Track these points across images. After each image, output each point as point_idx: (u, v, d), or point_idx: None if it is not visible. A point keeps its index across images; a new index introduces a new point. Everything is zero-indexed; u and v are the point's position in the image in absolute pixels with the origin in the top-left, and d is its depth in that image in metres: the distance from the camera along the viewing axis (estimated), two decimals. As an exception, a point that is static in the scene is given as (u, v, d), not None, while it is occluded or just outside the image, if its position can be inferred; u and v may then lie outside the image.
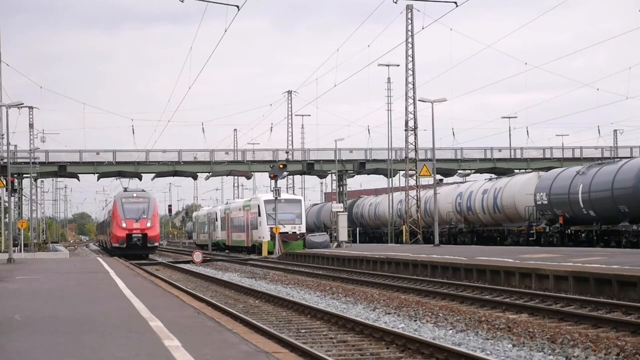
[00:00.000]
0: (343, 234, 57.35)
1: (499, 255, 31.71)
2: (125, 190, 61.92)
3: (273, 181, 56.80)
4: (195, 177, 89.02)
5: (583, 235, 44.91)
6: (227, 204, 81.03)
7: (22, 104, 56.57)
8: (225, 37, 34.62)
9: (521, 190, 51.67)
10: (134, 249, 57.51)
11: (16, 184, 66.72)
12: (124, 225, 57.75)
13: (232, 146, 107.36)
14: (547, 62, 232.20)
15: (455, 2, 33.22)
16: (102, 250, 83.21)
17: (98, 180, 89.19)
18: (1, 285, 24.04)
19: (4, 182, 49.63)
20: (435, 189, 55.18)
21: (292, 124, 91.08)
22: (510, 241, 52.98)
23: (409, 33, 60.17)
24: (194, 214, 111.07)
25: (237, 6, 24.87)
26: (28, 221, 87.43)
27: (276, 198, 55.80)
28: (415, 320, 17.37)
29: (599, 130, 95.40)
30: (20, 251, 66.31)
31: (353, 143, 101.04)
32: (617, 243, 41.47)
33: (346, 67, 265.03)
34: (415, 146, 61.17)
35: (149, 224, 57.85)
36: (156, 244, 59.25)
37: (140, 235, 57.59)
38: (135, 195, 60.23)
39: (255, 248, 61.43)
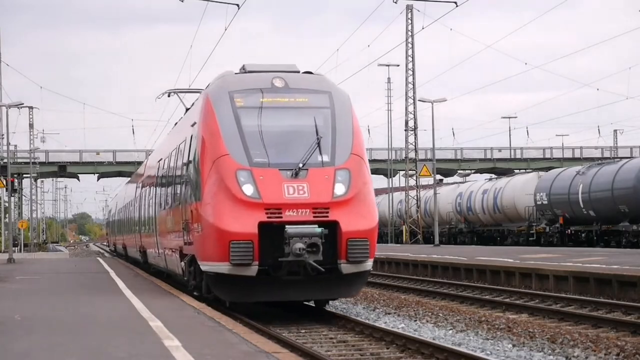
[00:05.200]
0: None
1: (499, 255, 31.70)
2: (244, 70, 17.83)
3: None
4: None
5: (583, 235, 44.91)
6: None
7: (22, 104, 56.56)
8: (226, 36, 34.59)
9: (521, 190, 51.66)
10: (289, 276, 15.88)
11: (16, 184, 66.72)
12: (248, 193, 15.57)
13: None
14: (547, 62, 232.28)
15: (455, 2, 33.21)
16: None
17: (98, 180, 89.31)
18: (1, 285, 24.03)
19: (4, 182, 49.58)
20: (435, 189, 55.18)
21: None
22: (510, 241, 52.98)
23: (409, 33, 60.16)
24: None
25: (237, 5, 24.86)
26: (28, 221, 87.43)
27: None
28: (415, 320, 17.37)
29: (599, 130, 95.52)
30: (20, 251, 66.35)
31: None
32: (617, 243, 41.47)
33: (346, 67, 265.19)
34: (415, 146, 61.14)
35: (340, 190, 15.89)
36: (370, 261, 16.03)
37: (312, 226, 15.45)
38: (286, 83, 17.11)
39: None
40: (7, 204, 59.81)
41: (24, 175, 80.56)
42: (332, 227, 15.55)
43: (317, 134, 16.39)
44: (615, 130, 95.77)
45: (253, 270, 15.36)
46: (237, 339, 11.21)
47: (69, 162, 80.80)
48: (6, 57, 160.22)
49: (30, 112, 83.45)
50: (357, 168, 16.27)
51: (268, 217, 15.44)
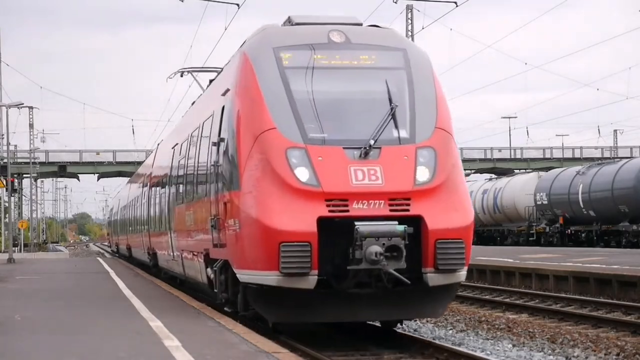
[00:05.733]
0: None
1: (499, 255, 31.70)
2: (290, 22, 14.02)
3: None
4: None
5: (583, 235, 44.92)
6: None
7: (22, 104, 56.51)
8: (226, 36, 34.55)
9: (521, 190, 51.66)
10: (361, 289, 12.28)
11: (16, 184, 66.71)
12: (303, 178, 12.02)
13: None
14: (547, 62, 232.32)
15: (455, 2, 33.20)
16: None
17: (98, 180, 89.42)
18: (1, 285, 24.02)
19: (4, 182, 49.59)
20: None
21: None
22: (510, 241, 52.97)
23: (409, 33, 60.15)
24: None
25: (237, 4, 24.84)
26: (28, 221, 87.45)
27: None
28: (416, 320, 17.38)
29: (599, 130, 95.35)
30: (20, 251, 66.34)
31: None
32: (617, 243, 41.49)
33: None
34: (415, 146, 60.96)
35: (424, 174, 12.30)
36: (464, 270, 12.37)
37: (390, 222, 11.81)
38: (347, 38, 13.33)
39: None
40: (7, 204, 59.81)
41: (24, 175, 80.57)
42: (415, 224, 11.86)
43: (390, 102, 12.66)
44: (615, 130, 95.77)
45: (310, 281, 11.65)
46: (237, 339, 11.21)
47: (69, 162, 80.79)
48: (6, 57, 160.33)
49: (30, 112, 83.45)
50: (444, 146, 12.59)
51: (330, 211, 11.80)
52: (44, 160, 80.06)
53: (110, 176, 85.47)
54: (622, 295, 20.04)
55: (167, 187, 21.10)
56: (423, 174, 12.27)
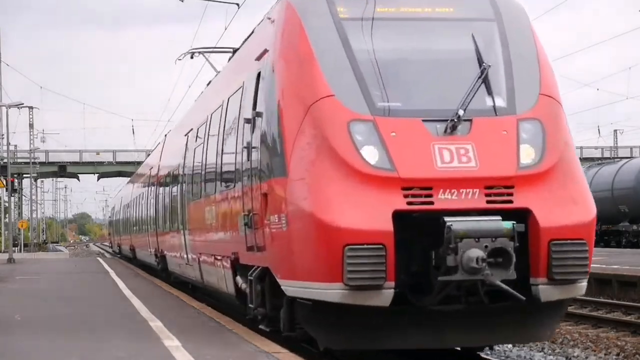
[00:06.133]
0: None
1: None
2: None
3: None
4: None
5: (583, 235, 44.89)
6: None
7: (22, 104, 56.54)
8: (225, 35, 34.59)
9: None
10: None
11: (16, 184, 66.72)
12: (372, 160, 9.29)
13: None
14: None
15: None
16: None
17: (98, 180, 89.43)
18: (1, 285, 24.03)
19: (4, 182, 49.63)
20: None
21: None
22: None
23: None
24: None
25: (237, 4, 24.84)
26: (28, 221, 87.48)
27: None
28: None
29: (599, 130, 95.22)
30: (20, 251, 66.39)
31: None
32: (617, 243, 41.49)
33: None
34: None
35: (529, 155, 9.53)
36: (585, 281, 9.57)
37: (492, 218, 9.04)
38: None
39: None
40: (7, 204, 59.84)
41: (24, 175, 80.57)
42: (520, 220, 9.00)
43: (479, 62, 9.83)
44: (615, 130, 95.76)
45: (385, 296, 8.80)
46: (237, 339, 11.20)
47: (69, 162, 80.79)
48: (6, 57, 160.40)
49: (30, 112, 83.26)
50: (552, 118, 9.73)
51: (409, 203, 8.96)
52: (44, 160, 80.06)
53: (110, 176, 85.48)
54: (622, 295, 20.04)
55: (179, 180, 18.57)
56: (528, 154, 9.39)
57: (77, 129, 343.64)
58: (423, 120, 9.34)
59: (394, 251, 8.75)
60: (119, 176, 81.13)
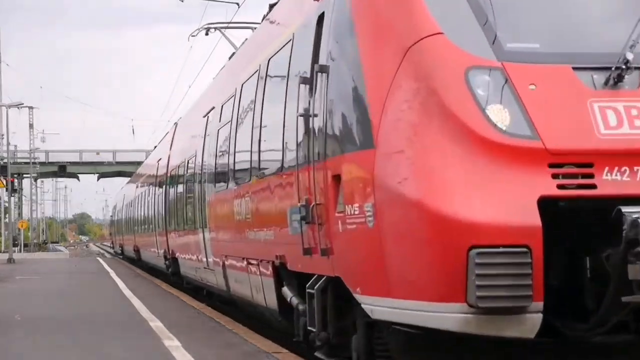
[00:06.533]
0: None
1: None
2: None
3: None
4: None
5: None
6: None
7: (22, 104, 56.66)
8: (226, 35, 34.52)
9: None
10: None
11: (16, 184, 66.78)
12: (503, 124, 6.20)
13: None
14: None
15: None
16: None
17: (98, 180, 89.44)
18: (1, 285, 24.04)
19: (4, 182, 49.67)
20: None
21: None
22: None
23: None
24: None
25: (237, 4, 24.85)
26: (28, 221, 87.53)
27: None
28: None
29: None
30: (20, 251, 66.44)
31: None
32: (617, 243, 41.51)
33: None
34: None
35: None
36: None
37: None
38: None
39: None
40: (7, 204, 59.89)
41: (24, 175, 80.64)
42: None
43: None
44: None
45: (531, 323, 5.94)
46: (237, 339, 11.20)
47: (69, 162, 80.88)
48: (6, 57, 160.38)
49: (30, 112, 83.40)
50: None
51: (561, 186, 6.07)
52: (44, 160, 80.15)
53: (110, 176, 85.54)
54: (622, 295, 20.02)
55: (197, 170, 15.94)
56: None
57: (77, 129, 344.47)
58: (574, 68, 6.44)
59: (542, 257, 5.89)
60: (119, 176, 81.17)
